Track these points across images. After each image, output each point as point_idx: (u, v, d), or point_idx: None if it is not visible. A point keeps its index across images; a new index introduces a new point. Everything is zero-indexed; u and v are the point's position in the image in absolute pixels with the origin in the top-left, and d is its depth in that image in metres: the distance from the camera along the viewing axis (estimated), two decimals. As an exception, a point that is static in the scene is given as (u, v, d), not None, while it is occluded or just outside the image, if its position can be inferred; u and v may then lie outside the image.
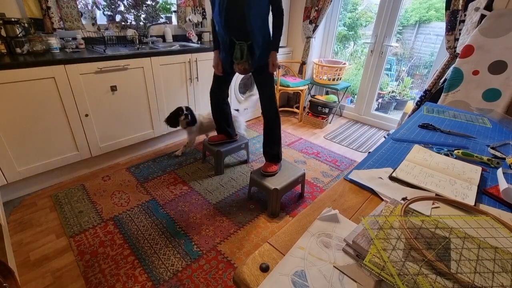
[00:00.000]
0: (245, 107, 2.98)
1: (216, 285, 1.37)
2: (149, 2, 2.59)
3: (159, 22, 2.71)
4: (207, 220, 1.78)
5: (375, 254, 0.54)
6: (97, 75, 1.96)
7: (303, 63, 3.47)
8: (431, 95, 2.40)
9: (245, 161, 2.46)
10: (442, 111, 1.53)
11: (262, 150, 2.02)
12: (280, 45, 3.67)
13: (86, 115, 1.99)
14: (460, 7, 2.13)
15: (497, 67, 1.88)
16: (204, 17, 2.96)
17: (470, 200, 0.74)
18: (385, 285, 0.50)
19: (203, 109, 2.78)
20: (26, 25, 1.91)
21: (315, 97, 3.44)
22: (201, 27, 2.99)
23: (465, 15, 2.12)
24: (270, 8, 1.67)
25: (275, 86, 3.22)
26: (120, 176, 2.19)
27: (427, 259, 0.52)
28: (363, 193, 0.80)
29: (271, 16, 1.68)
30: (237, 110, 2.62)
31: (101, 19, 2.43)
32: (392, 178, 0.85)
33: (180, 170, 2.30)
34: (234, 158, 2.49)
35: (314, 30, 3.25)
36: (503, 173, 0.86)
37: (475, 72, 1.96)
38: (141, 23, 2.60)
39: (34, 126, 1.80)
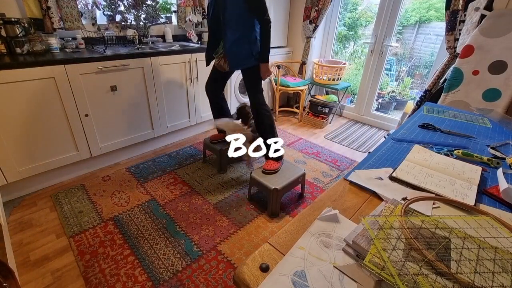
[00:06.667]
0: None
1: (216, 285, 1.37)
2: (149, 2, 2.59)
3: (159, 22, 2.71)
4: (207, 220, 1.78)
5: (375, 254, 0.53)
6: (97, 75, 1.96)
7: (303, 63, 3.47)
8: (431, 95, 2.40)
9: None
10: (442, 111, 1.53)
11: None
12: (280, 45, 3.65)
13: (86, 115, 1.99)
14: (460, 7, 2.13)
15: (497, 67, 1.88)
16: (204, 17, 2.95)
17: (470, 200, 0.74)
18: (385, 285, 0.50)
19: (201, 109, 2.78)
20: (26, 25, 1.91)
21: (315, 97, 3.44)
22: (201, 27, 2.99)
23: (465, 15, 2.12)
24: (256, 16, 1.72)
25: (276, 86, 3.23)
26: (120, 176, 2.19)
27: (427, 259, 0.52)
28: (363, 193, 0.80)
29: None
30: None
31: (101, 19, 2.43)
32: (392, 178, 0.85)
33: (180, 170, 2.30)
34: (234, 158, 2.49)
35: (314, 30, 3.25)
36: (503, 173, 0.86)
37: (475, 72, 1.96)
38: (141, 23, 2.60)
39: (34, 126, 1.80)
